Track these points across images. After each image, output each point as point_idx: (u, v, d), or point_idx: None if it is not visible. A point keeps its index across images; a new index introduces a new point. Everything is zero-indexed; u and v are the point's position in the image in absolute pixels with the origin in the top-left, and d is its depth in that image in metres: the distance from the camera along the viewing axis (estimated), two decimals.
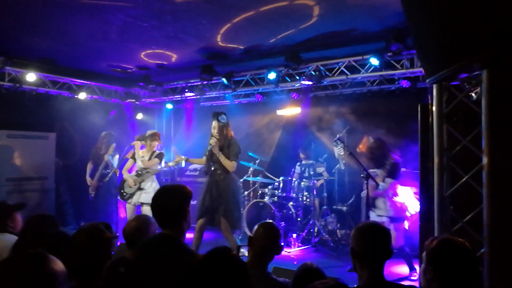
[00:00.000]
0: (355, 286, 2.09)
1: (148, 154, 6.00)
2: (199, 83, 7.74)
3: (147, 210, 5.73)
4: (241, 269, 1.71)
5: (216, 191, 4.89)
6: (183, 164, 6.04)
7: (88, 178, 6.98)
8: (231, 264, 1.70)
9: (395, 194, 4.93)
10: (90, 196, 6.91)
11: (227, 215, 4.78)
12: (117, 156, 6.84)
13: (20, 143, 7.15)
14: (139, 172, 5.93)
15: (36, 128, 7.42)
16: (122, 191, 5.98)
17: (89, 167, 7.09)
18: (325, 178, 7.08)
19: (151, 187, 5.85)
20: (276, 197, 6.90)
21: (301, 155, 7.35)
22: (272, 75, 6.81)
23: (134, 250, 2.61)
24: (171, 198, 2.37)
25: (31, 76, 6.84)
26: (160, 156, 5.99)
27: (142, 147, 6.10)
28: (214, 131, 4.93)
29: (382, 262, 2.09)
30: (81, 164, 7.46)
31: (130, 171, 6.08)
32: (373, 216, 4.94)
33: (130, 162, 6.10)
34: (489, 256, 2.20)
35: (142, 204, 5.84)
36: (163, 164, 6.33)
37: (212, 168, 4.98)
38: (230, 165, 4.84)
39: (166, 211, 2.33)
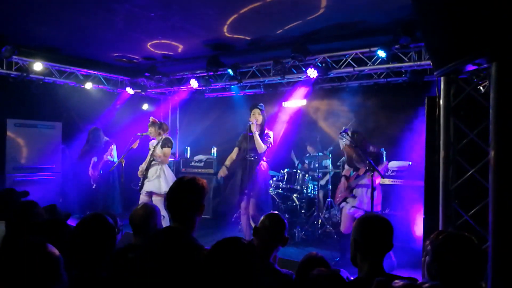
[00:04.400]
0: (355, 277, 2.10)
1: (158, 141, 5.92)
2: (205, 74, 7.73)
3: (143, 199, 5.75)
4: (251, 256, 1.69)
5: (249, 175, 5.34)
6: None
7: (90, 170, 7.10)
8: (241, 251, 1.68)
9: (377, 185, 4.98)
10: (92, 186, 7.04)
11: (255, 197, 5.31)
12: (113, 147, 6.99)
13: (27, 132, 7.21)
14: (148, 162, 5.89)
15: (43, 118, 7.48)
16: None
17: (93, 160, 7.18)
18: (330, 171, 7.07)
19: (154, 174, 5.75)
20: (280, 189, 6.91)
21: (308, 148, 7.34)
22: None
23: (140, 237, 2.65)
24: (187, 191, 2.28)
25: (38, 66, 6.88)
26: (170, 144, 5.82)
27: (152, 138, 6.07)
28: (254, 117, 5.41)
29: (383, 254, 2.10)
30: (86, 154, 7.51)
31: None
32: (348, 207, 5.04)
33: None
34: (493, 251, 2.19)
35: (145, 192, 5.81)
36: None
37: (246, 154, 5.42)
38: (262, 146, 5.34)
39: (180, 204, 2.27)
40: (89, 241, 2.09)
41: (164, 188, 5.64)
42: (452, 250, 1.84)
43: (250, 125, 5.37)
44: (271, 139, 5.46)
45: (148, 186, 5.76)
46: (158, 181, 5.68)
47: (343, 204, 5.19)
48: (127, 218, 2.86)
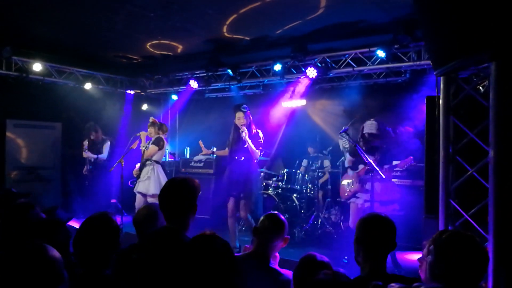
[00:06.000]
0: (357, 276, 2.09)
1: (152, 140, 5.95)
2: (205, 74, 7.72)
3: (139, 199, 5.76)
4: (224, 251, 1.76)
5: (239, 177, 5.18)
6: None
7: (84, 153, 7.30)
8: (214, 245, 1.75)
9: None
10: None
11: (247, 198, 5.17)
12: (108, 144, 7.21)
13: (27, 132, 7.21)
14: (142, 162, 5.93)
15: (43, 118, 7.47)
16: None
17: (85, 144, 7.40)
18: (329, 171, 7.07)
19: (145, 175, 5.77)
20: (280, 189, 6.91)
21: (309, 149, 7.33)
22: (278, 67, 6.78)
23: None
24: (179, 192, 2.31)
25: (37, 66, 6.87)
26: (156, 142, 5.84)
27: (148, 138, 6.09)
28: (240, 122, 5.19)
29: (386, 253, 2.09)
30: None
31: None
32: (360, 202, 4.95)
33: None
34: (494, 250, 2.20)
35: (137, 192, 5.84)
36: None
37: (236, 156, 5.28)
38: (257, 154, 5.24)
39: (173, 205, 2.28)
40: (94, 240, 2.12)
41: (152, 190, 5.65)
42: (455, 249, 1.81)
43: (243, 135, 5.11)
44: (261, 139, 5.30)
45: (138, 186, 5.81)
46: (148, 182, 5.72)
47: (353, 199, 5.08)
48: (128, 217, 2.86)
